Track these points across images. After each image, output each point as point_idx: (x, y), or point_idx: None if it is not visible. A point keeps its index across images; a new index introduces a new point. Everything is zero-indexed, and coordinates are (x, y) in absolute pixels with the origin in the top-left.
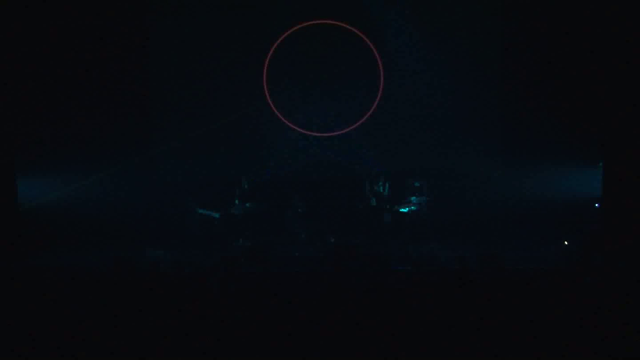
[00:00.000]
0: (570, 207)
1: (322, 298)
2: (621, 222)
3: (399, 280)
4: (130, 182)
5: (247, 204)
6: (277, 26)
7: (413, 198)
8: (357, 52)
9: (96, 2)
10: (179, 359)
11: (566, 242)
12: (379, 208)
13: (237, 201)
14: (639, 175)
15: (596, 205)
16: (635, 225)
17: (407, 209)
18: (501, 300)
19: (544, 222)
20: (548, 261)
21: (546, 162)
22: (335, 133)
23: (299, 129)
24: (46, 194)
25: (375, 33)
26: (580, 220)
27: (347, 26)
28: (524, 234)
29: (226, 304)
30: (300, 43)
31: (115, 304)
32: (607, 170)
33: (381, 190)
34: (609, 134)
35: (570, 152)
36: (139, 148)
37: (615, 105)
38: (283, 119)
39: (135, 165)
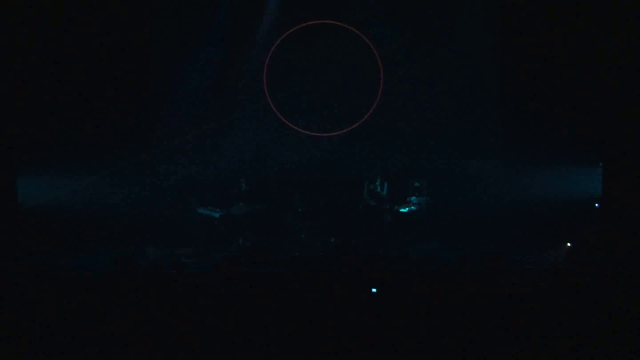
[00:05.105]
0: (570, 207)
1: (322, 298)
2: (621, 222)
3: (399, 280)
4: (130, 182)
5: (240, 203)
6: (277, 26)
7: (413, 198)
8: (357, 52)
9: (96, 1)
10: (179, 359)
11: (569, 244)
12: (378, 208)
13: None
14: (639, 175)
15: (596, 205)
16: (635, 225)
17: (407, 209)
18: (501, 300)
19: (544, 222)
20: (548, 261)
21: (546, 162)
22: (335, 133)
23: (299, 129)
24: (46, 194)
25: (375, 33)
26: (580, 220)
27: (347, 26)
28: (524, 234)
29: (226, 304)
30: (300, 43)
31: (115, 304)
32: (607, 170)
33: (379, 190)
34: (609, 134)
35: (570, 152)
36: (139, 148)
37: (615, 106)
38: (283, 119)
39: (135, 165)
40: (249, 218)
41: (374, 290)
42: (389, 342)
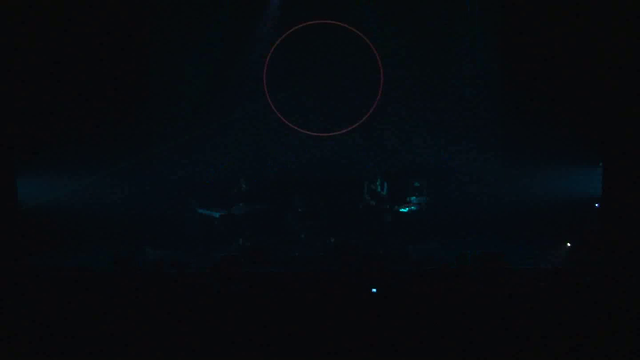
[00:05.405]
0: (570, 207)
1: (322, 298)
2: (621, 222)
3: (399, 280)
4: (130, 182)
5: (240, 204)
6: (276, 26)
7: (413, 198)
8: (357, 52)
9: (96, 1)
10: (179, 359)
11: (569, 244)
12: (378, 208)
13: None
14: (639, 176)
15: (596, 205)
16: (635, 225)
17: (407, 209)
18: (501, 300)
19: (544, 222)
20: (548, 261)
21: (546, 162)
22: (335, 133)
23: (299, 129)
24: (46, 194)
25: (375, 33)
26: (580, 220)
27: (347, 26)
28: (524, 234)
29: (226, 304)
30: (300, 43)
31: (115, 304)
32: (607, 170)
33: (379, 190)
34: (609, 134)
35: (570, 152)
36: (139, 148)
37: (615, 106)
38: (283, 118)
39: (135, 165)
40: (249, 218)
41: (374, 290)
42: (389, 342)
